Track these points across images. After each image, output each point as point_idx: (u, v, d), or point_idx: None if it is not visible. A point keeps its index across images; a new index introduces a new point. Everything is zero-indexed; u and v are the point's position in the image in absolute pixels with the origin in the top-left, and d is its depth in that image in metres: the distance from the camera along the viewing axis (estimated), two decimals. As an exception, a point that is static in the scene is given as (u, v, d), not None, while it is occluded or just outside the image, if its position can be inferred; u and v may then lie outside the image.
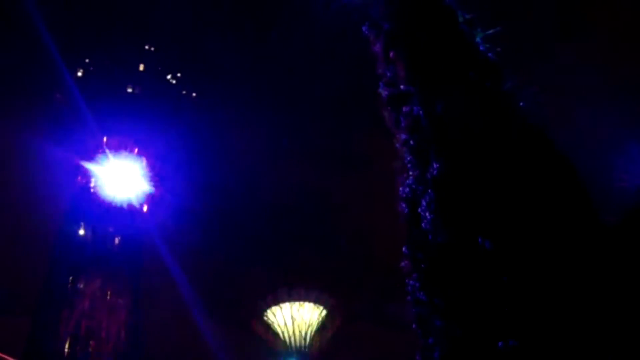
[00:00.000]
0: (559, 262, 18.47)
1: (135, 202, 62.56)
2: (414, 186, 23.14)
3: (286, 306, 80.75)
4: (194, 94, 59.81)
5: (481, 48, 26.94)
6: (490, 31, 27.79)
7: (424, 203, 22.21)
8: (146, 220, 63.03)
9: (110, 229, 62.94)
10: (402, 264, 22.75)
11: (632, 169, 55.82)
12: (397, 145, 25.35)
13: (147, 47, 58.37)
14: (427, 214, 21.86)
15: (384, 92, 27.14)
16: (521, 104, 23.68)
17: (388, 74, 27.39)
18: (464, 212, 20.75)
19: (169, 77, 59.45)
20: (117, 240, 63.39)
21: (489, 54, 26.58)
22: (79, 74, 59.60)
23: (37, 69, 58.68)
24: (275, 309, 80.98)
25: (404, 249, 22.82)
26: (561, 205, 19.91)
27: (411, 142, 23.93)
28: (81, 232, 61.65)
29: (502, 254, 19.15)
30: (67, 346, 59.53)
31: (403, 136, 24.79)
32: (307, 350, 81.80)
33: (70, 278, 59.98)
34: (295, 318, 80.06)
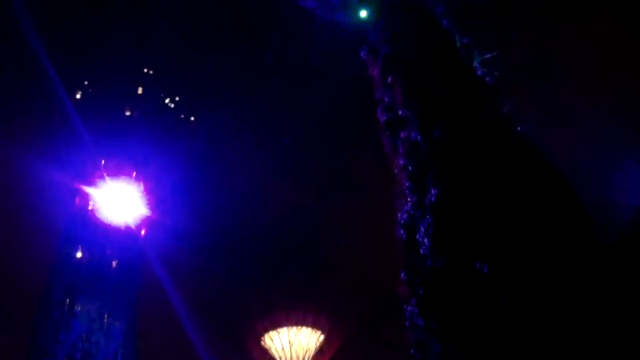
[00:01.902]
0: (557, 286, 18.30)
1: (133, 226, 62.30)
2: (412, 212, 22.96)
3: (284, 330, 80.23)
4: (192, 118, 59.75)
5: (479, 72, 26.94)
6: (488, 55, 27.80)
7: (422, 229, 22.03)
8: (144, 243, 62.77)
9: (108, 252, 62.59)
10: (400, 289, 22.52)
11: (631, 187, 55.75)
12: (395, 170, 25.25)
13: (145, 70, 58.42)
14: (425, 240, 21.67)
15: (382, 117, 27.10)
16: (519, 128, 23.62)
17: (386, 99, 27.36)
18: (462, 238, 20.58)
19: (167, 100, 59.36)
20: (114, 264, 63.01)
21: (487, 78, 26.56)
22: (78, 96, 59.68)
23: (35, 91, 58.50)
24: (272, 333, 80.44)
25: (402, 274, 22.60)
26: (559, 229, 19.75)
27: (409, 167, 23.81)
28: (78, 254, 61.34)
29: (500, 279, 18.97)
30: (63, 368, 59.27)
31: (401, 161, 24.70)
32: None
33: (67, 300, 59.62)
34: (293, 342, 79.59)
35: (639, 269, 18.85)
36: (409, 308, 21.53)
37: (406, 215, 23.31)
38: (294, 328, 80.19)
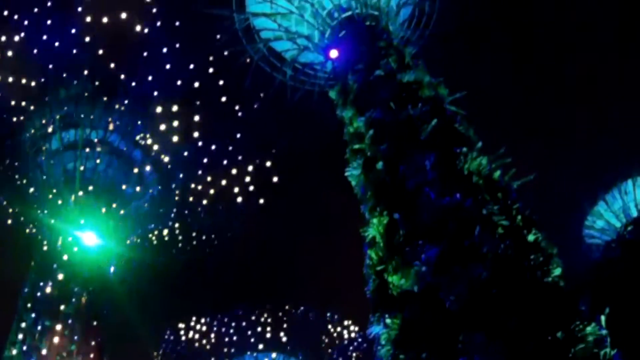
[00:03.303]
0: (523, 316, 18.34)
1: (104, 262, 61.67)
2: (380, 253, 22.96)
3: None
4: (162, 156, 59.47)
5: (448, 112, 27.17)
6: (458, 94, 28.09)
7: (390, 269, 22.04)
8: (113, 280, 62.13)
9: (76, 289, 61.83)
10: (369, 330, 22.37)
11: (599, 225, 56.30)
12: (364, 210, 25.27)
13: (117, 106, 58.11)
14: (393, 279, 21.66)
15: (351, 157, 27.19)
16: (488, 167, 23.79)
17: (355, 140, 27.48)
18: (430, 278, 20.58)
19: (137, 137, 59.09)
20: (83, 300, 62.28)
21: (457, 118, 26.79)
22: (49, 130, 59.30)
23: (5, 124, 57.97)
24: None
25: (370, 315, 22.48)
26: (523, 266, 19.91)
27: (378, 208, 23.86)
28: (48, 290, 60.61)
29: (471, 316, 18.94)
30: (32, 402, 58.27)
31: (370, 202, 24.75)
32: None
33: (36, 335, 58.80)
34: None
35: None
36: (379, 349, 21.37)
37: (374, 255, 23.30)
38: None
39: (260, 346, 79.94)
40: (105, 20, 53.23)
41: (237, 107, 53.95)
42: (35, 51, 53.69)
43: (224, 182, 60.52)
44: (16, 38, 52.26)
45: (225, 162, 59.87)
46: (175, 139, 58.05)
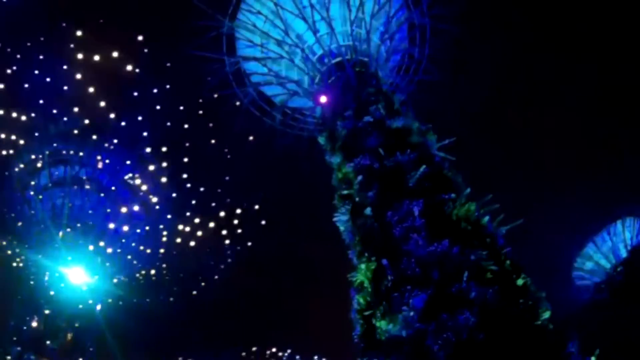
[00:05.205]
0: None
1: (90, 300, 61.27)
2: (368, 298, 22.96)
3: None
4: (150, 196, 59.51)
5: (437, 158, 27.33)
6: (446, 141, 28.26)
7: (378, 314, 22.02)
8: (99, 318, 61.71)
9: (63, 324, 61.40)
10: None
11: (589, 267, 56.37)
12: (352, 255, 25.27)
13: (106, 145, 58.24)
14: (381, 324, 21.62)
15: (339, 203, 27.22)
16: (477, 212, 23.89)
17: (343, 185, 27.56)
18: (418, 324, 20.54)
19: (126, 177, 59.16)
20: (69, 336, 61.79)
21: (445, 164, 26.95)
22: (38, 165, 59.24)
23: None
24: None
25: (358, 360, 22.43)
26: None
27: (366, 254, 23.87)
28: (34, 324, 60.18)
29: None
30: None
31: (358, 248, 24.75)
32: None
33: (23, 369, 58.38)
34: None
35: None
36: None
37: (362, 300, 23.28)
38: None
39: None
40: (96, 58, 53.29)
41: (226, 150, 54.18)
42: (26, 85, 53.70)
43: (211, 225, 60.47)
44: (7, 71, 52.36)
45: (213, 204, 59.97)
46: (164, 179, 58.06)
